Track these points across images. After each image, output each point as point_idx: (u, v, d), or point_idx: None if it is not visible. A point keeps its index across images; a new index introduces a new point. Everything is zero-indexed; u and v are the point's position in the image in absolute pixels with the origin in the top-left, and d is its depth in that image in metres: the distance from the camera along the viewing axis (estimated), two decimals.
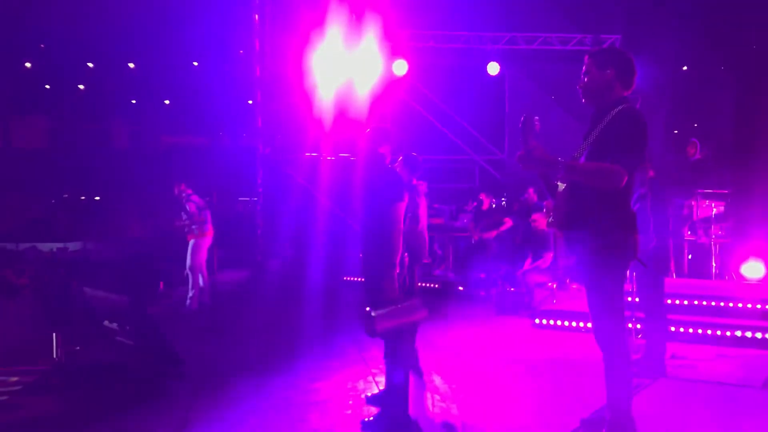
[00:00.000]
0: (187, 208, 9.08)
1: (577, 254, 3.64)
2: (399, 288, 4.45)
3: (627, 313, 6.35)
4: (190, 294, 9.19)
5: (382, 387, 4.85)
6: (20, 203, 22.36)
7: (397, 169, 5.72)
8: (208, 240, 9.28)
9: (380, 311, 4.19)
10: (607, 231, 3.51)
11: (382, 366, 5.76)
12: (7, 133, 23.21)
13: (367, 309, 4.17)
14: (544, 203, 10.24)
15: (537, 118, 3.48)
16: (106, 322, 5.57)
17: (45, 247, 16.33)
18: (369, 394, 4.82)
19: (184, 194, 9.14)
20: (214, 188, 9.11)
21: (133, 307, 6.22)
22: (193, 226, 9.08)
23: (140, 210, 21.63)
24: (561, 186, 3.66)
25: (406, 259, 5.22)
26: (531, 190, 12.53)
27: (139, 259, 11.79)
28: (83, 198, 23.17)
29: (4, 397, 4.98)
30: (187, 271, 9.18)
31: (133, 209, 21.71)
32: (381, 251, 4.33)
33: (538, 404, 4.79)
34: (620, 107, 3.53)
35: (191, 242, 9.17)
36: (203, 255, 9.25)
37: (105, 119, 22.77)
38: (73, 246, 17.59)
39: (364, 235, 4.52)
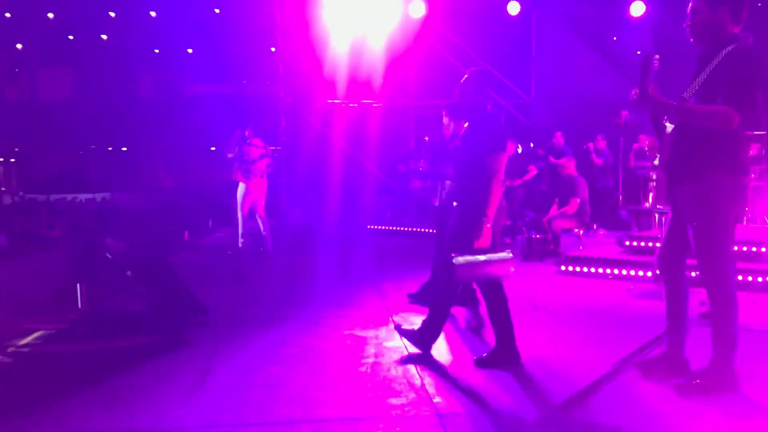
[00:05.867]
0: (243, 150, 9.18)
1: (682, 198, 3.60)
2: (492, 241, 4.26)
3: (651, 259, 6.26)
4: (264, 236, 9.36)
5: (402, 335, 4.83)
6: (49, 155, 22.62)
7: None
8: (256, 186, 9.27)
9: (462, 259, 4.07)
10: (714, 174, 3.45)
11: (404, 314, 5.78)
12: (33, 86, 23.32)
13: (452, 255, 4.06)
14: (648, 143, 9.81)
15: (657, 56, 3.43)
16: (128, 273, 5.61)
17: (74, 198, 16.57)
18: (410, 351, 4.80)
19: (248, 139, 9.25)
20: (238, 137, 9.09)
21: (156, 258, 6.25)
22: (249, 169, 9.17)
23: (166, 159, 21.78)
24: (669, 127, 3.62)
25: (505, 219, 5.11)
26: (558, 135, 12.27)
27: (164, 209, 11.88)
28: (110, 149, 23.36)
29: (27, 348, 5.05)
30: (257, 216, 9.31)
31: (159, 159, 21.87)
32: (476, 201, 4.17)
33: (564, 350, 4.73)
34: (731, 46, 3.43)
35: (241, 186, 9.24)
36: (249, 199, 9.26)
37: (129, 69, 22.74)
38: (100, 196, 17.81)
39: (458, 185, 4.49)
